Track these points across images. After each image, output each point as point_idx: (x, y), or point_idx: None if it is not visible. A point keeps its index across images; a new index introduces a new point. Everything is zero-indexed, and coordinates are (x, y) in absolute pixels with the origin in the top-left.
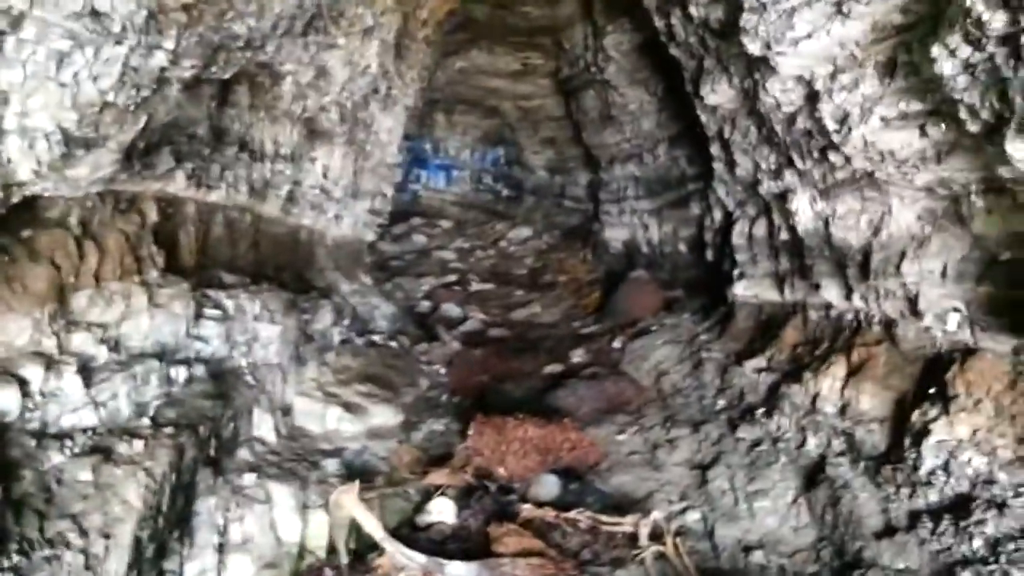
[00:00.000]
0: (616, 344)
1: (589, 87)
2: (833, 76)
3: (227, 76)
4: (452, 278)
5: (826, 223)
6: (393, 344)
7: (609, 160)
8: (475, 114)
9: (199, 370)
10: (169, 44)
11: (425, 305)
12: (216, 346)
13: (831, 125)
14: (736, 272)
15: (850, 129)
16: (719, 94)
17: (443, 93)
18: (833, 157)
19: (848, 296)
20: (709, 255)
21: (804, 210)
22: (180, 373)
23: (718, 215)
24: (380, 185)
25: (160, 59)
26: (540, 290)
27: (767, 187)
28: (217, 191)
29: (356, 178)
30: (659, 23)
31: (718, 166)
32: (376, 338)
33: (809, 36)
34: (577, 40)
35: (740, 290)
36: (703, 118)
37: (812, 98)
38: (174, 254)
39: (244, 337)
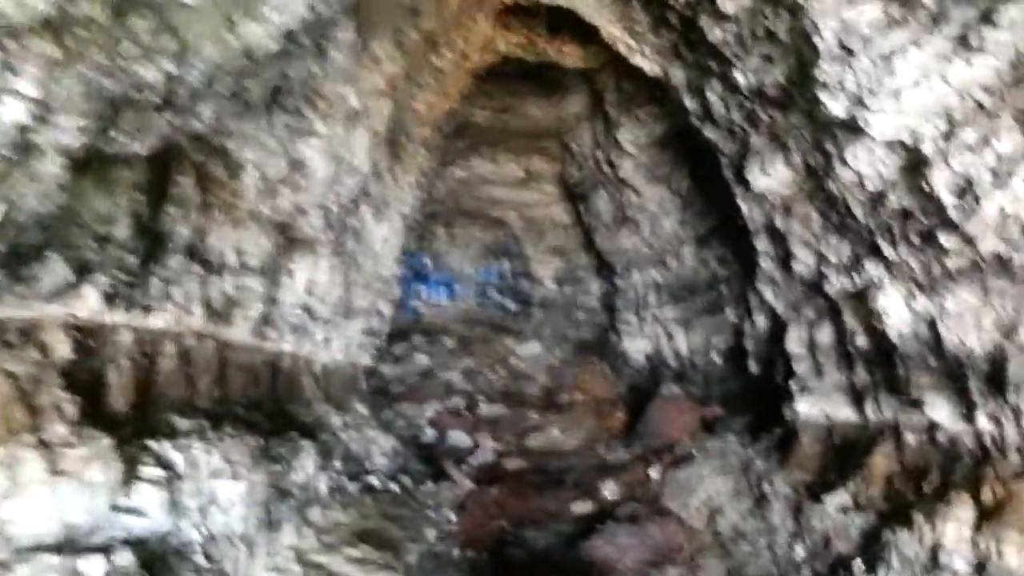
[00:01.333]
0: (653, 474)
1: (601, 188)
2: (950, 135)
3: (146, 152)
4: (459, 402)
5: (931, 324)
6: (393, 487)
7: (625, 266)
8: (477, 225)
9: (124, 558)
10: (29, 88)
11: (430, 434)
12: (156, 519)
13: (947, 199)
14: (795, 386)
15: (977, 200)
16: (772, 177)
17: (443, 205)
18: (945, 240)
19: (968, 416)
20: (752, 367)
21: (896, 310)
22: (94, 567)
23: (762, 321)
24: (376, 302)
25: (16, 112)
26: (557, 411)
27: (837, 285)
28: (160, 314)
29: (347, 294)
30: (690, 103)
31: (765, 264)
32: (373, 481)
33: (916, 84)
34: (585, 140)
35: (803, 407)
36: (745, 209)
37: (914, 167)
38: (99, 399)
39: (197, 502)
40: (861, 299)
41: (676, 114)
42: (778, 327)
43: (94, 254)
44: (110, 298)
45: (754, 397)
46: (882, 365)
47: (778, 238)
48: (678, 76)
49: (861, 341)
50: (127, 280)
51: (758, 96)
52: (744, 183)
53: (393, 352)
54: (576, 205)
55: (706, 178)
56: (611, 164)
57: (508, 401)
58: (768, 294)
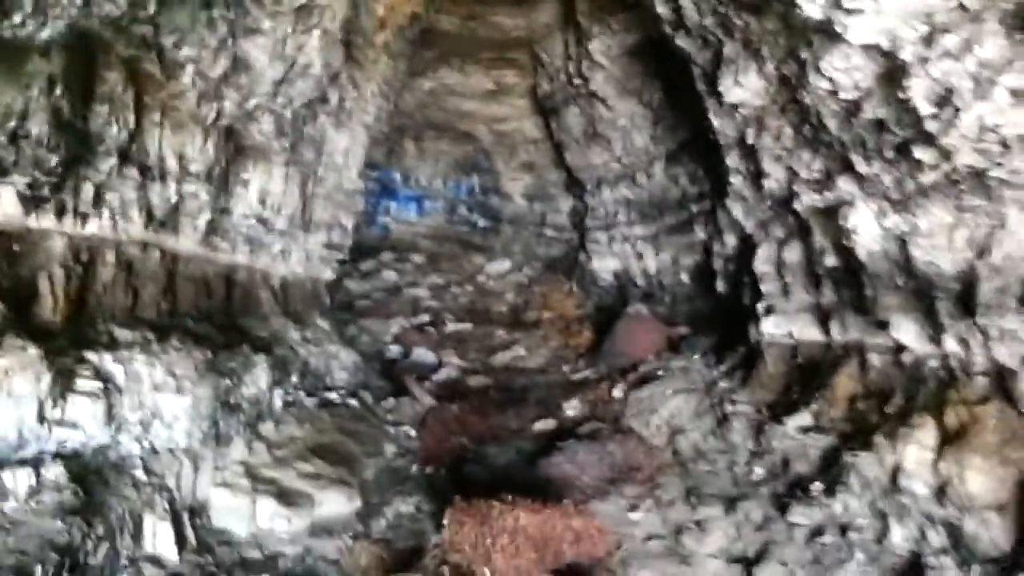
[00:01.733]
0: (616, 393)
1: (572, 103)
2: (930, 39)
3: (60, 40)
4: (425, 318)
5: (902, 243)
6: (353, 402)
7: (596, 183)
8: (447, 140)
9: (53, 471)
10: None
11: (395, 350)
12: (92, 432)
13: (925, 108)
14: (762, 306)
15: (957, 110)
16: (745, 87)
17: (412, 118)
18: (921, 154)
19: (935, 338)
20: (720, 286)
21: (867, 227)
22: (19, 481)
23: (731, 239)
24: (338, 215)
25: None
26: (523, 329)
27: (806, 201)
28: (95, 220)
29: (306, 207)
30: (663, 8)
31: (736, 180)
32: (332, 396)
33: None
34: (557, 51)
35: (769, 328)
36: (717, 123)
37: (892, 75)
38: (27, 308)
39: (138, 415)
40: (831, 216)
41: (649, 22)
42: (747, 247)
43: (5, 152)
44: (32, 201)
45: (721, 317)
46: (849, 285)
47: (749, 154)
48: None
49: (830, 260)
50: (49, 182)
51: (731, 1)
52: (717, 95)
53: (360, 268)
54: (547, 119)
55: (678, 91)
56: (582, 77)
57: (475, 319)
58: (738, 212)
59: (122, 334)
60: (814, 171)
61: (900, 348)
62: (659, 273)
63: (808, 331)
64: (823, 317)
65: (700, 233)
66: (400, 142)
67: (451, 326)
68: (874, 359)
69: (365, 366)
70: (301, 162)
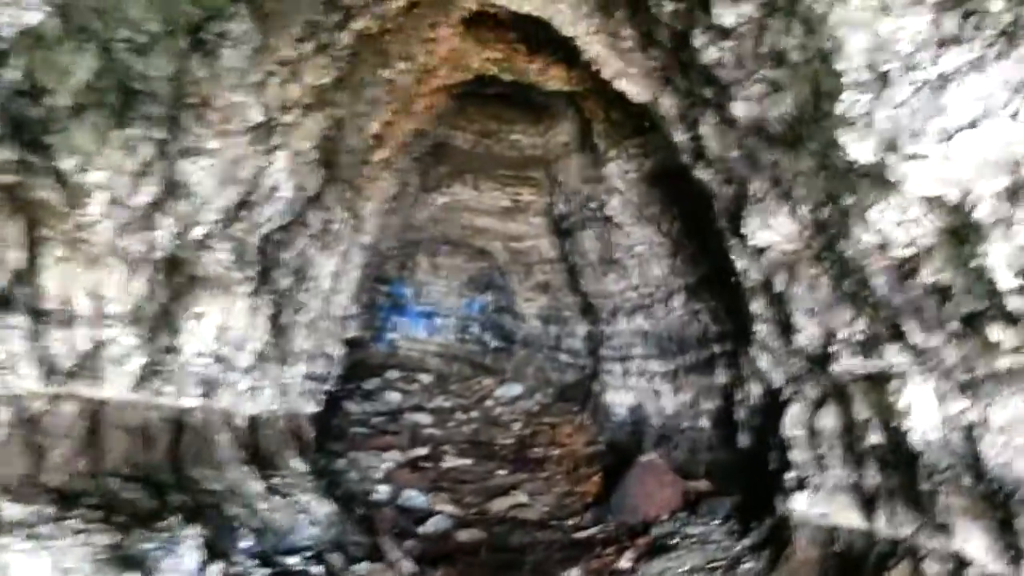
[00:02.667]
0: (624, 563)
1: (588, 226)
2: (1015, 194)
3: None
4: (422, 452)
5: (968, 435)
6: (316, 570)
7: (612, 311)
8: (461, 256)
9: None
10: None
11: (383, 491)
12: None
13: (1006, 279)
14: (791, 477)
15: None
16: (774, 230)
17: (425, 233)
18: (997, 333)
19: (1015, 557)
20: (743, 439)
21: (923, 409)
22: None
23: (755, 389)
24: (323, 343)
25: None
26: (528, 468)
27: (846, 364)
28: None
29: (282, 338)
30: (680, 137)
31: (761, 329)
32: (292, 561)
33: (975, 124)
34: (573, 172)
35: (800, 504)
36: (740, 264)
37: (961, 234)
38: None
39: None
40: (877, 387)
41: (666, 149)
42: (774, 402)
43: None
44: None
45: (744, 473)
46: (900, 470)
47: (777, 301)
48: (667, 104)
49: (875, 437)
50: None
51: (760, 132)
52: (740, 234)
53: (363, 387)
54: (563, 240)
55: (698, 222)
56: (598, 200)
57: (477, 452)
58: (763, 362)
59: (9, 511)
60: (856, 332)
61: (964, 560)
62: (677, 415)
63: (848, 515)
64: (867, 501)
65: (722, 376)
66: (413, 256)
67: (450, 461)
68: (932, 567)
69: (342, 518)
70: (275, 290)
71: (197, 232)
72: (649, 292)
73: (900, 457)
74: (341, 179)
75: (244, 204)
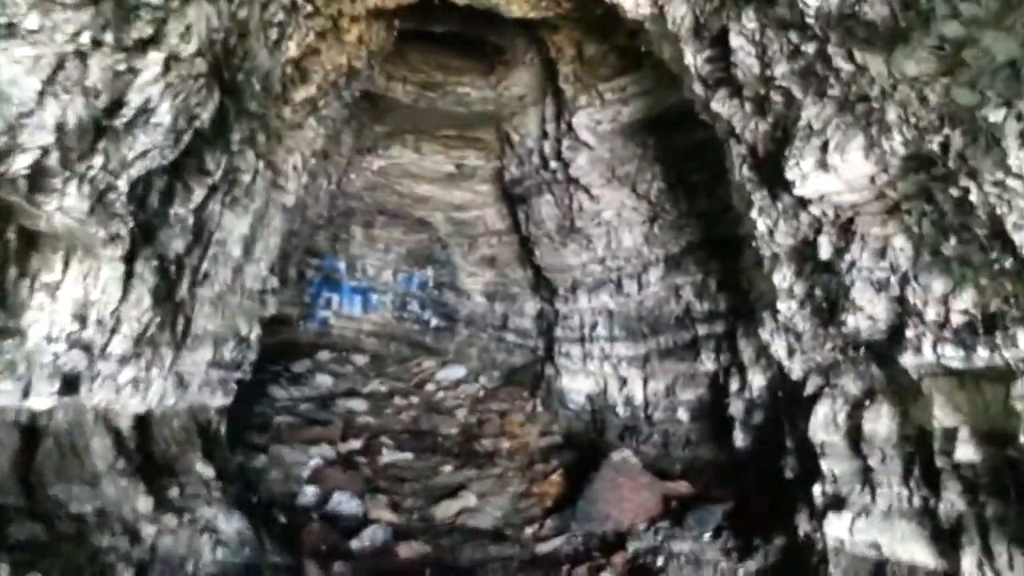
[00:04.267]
0: None
1: (545, 191)
2: None
3: None
4: (356, 445)
5: None
6: None
7: (571, 287)
8: (399, 227)
9: None
10: None
11: (310, 494)
12: None
13: None
14: (822, 492)
15: None
16: (836, 173)
17: (360, 201)
18: None
19: None
20: (740, 439)
21: None
22: None
23: (758, 380)
24: (235, 323)
25: None
26: (476, 463)
27: (929, 357)
28: None
29: (176, 317)
30: (693, 58)
31: (786, 306)
32: None
33: None
34: (530, 128)
35: (837, 528)
36: (762, 225)
37: None
38: None
39: None
40: (976, 385)
41: (654, 89)
42: (789, 396)
43: None
44: None
45: (738, 477)
46: (1007, 499)
47: (819, 271)
48: (679, 14)
49: (965, 451)
50: None
51: (839, 26)
52: (774, 184)
53: (292, 370)
54: (514, 209)
55: (686, 181)
56: (560, 159)
57: (418, 444)
58: (778, 347)
59: None
60: (956, 312)
61: None
62: (648, 405)
63: (911, 549)
64: (945, 533)
65: (708, 363)
66: (347, 228)
67: (387, 455)
68: None
69: (256, 534)
70: (161, 255)
71: (21, 163)
72: (617, 266)
73: (1012, 481)
74: (249, 114)
75: (102, 130)
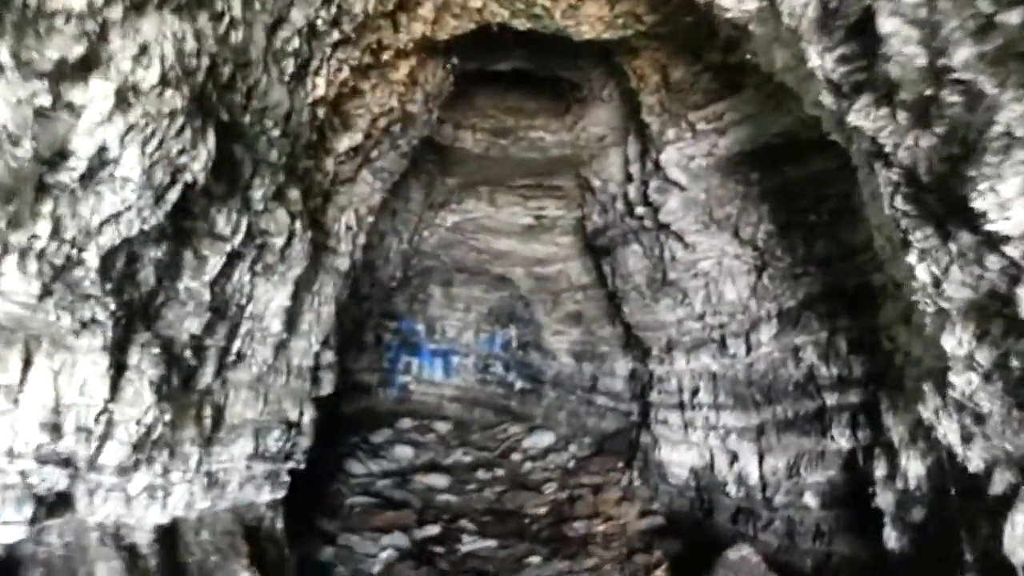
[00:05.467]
0: None
1: (632, 241)
2: None
3: None
4: (434, 531)
5: None
6: None
7: (666, 347)
8: (479, 285)
9: None
10: None
11: None
12: None
13: None
14: None
15: None
16: None
17: (437, 259)
18: None
19: None
20: (892, 539)
21: None
22: None
23: (916, 467)
24: (282, 409)
25: None
26: (567, 551)
27: None
28: None
29: (198, 410)
30: (822, 60)
31: (964, 379)
32: None
33: None
34: (612, 171)
35: None
36: (924, 272)
37: None
38: None
39: None
40: None
41: (769, 106)
42: (966, 492)
43: None
44: None
45: None
46: None
47: (1017, 333)
48: (799, 1)
49: None
50: None
51: None
52: (945, 217)
53: (371, 441)
54: (599, 261)
55: (800, 221)
56: (648, 203)
57: (503, 528)
58: (948, 429)
59: None
60: None
61: None
62: (765, 486)
63: None
64: None
65: (841, 440)
66: (424, 288)
67: (468, 543)
68: None
69: None
70: (170, 339)
71: None
72: (720, 323)
73: None
74: (272, 165)
75: (44, 188)
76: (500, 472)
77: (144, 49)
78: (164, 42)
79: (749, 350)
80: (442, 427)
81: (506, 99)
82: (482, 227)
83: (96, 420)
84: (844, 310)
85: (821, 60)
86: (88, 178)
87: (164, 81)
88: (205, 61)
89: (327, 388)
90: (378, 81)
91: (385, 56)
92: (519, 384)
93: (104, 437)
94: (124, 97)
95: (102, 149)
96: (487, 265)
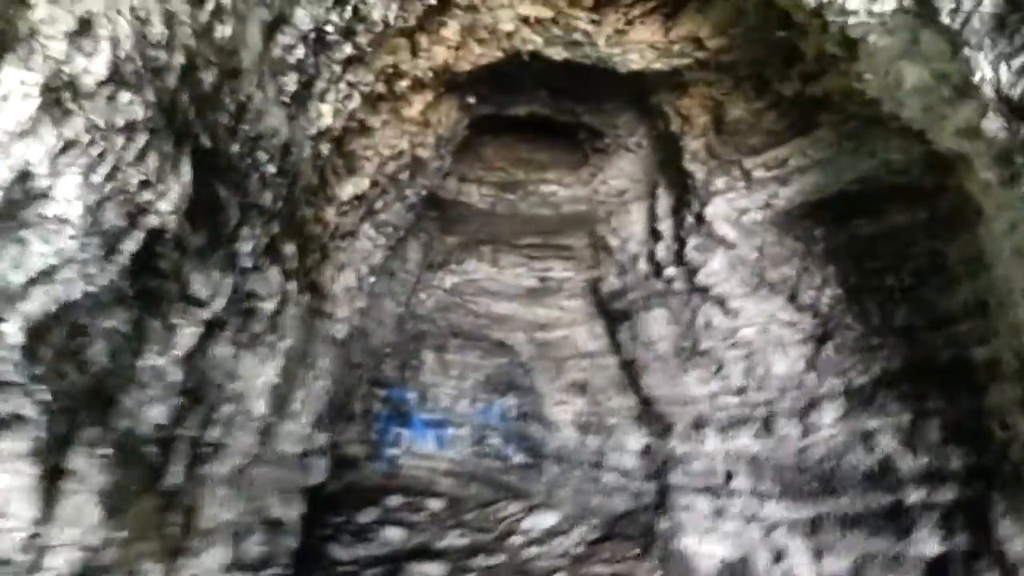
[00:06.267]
0: None
1: (656, 304)
2: None
3: None
4: None
5: None
6: None
7: (694, 423)
8: (476, 351)
9: None
10: None
11: None
12: None
13: None
14: None
15: None
16: None
17: (431, 323)
18: None
19: None
20: None
21: None
22: None
23: None
24: (265, 506)
25: None
26: None
27: None
28: None
29: (160, 518)
30: (992, 74)
31: None
32: None
33: None
34: (634, 229)
35: None
36: None
37: None
38: None
39: None
40: None
41: (848, 148)
42: None
43: None
44: None
45: None
46: None
47: None
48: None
49: None
50: None
51: None
52: None
53: (356, 521)
54: (613, 327)
55: (875, 284)
56: (683, 263)
57: None
58: None
59: None
60: None
61: None
62: None
63: None
64: None
65: (928, 543)
66: (417, 354)
67: None
68: None
69: None
70: (126, 433)
71: None
72: (765, 399)
73: None
74: (264, 211)
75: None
76: (500, 558)
77: (86, 25)
78: (117, 19)
79: (805, 432)
80: (435, 504)
81: (516, 149)
82: (482, 289)
83: (22, 544)
84: (935, 389)
85: (995, 71)
86: (5, 218)
87: (117, 78)
88: (179, 58)
89: (318, 477)
90: (389, 117)
91: (399, 86)
92: (518, 458)
93: (33, 570)
94: (57, 98)
95: (23, 175)
96: (485, 330)
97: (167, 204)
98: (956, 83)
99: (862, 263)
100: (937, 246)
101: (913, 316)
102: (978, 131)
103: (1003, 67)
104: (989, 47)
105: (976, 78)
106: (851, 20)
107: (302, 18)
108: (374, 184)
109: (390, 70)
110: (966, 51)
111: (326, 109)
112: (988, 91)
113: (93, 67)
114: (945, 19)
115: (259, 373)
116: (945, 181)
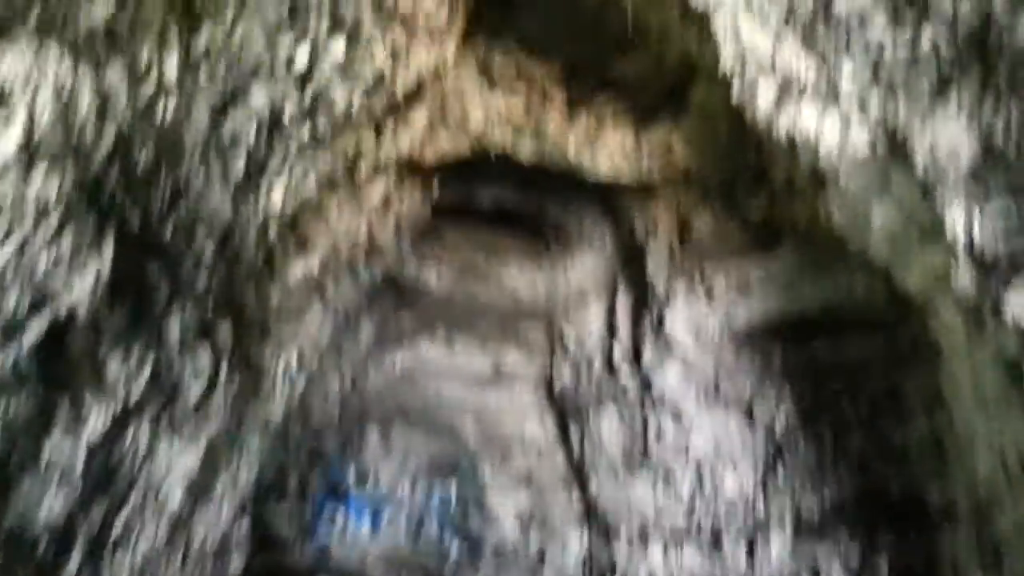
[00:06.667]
0: None
1: (608, 406)
2: None
3: None
4: None
5: None
6: None
7: (639, 535)
8: (421, 433)
9: None
10: None
11: None
12: None
13: None
14: None
15: None
16: None
17: (379, 402)
18: None
19: None
20: None
21: None
22: None
23: None
24: None
25: None
26: None
27: None
28: None
29: None
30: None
31: None
32: None
33: None
34: (592, 327)
35: None
36: None
37: None
38: None
39: None
40: None
41: (816, 267)
42: None
43: None
44: None
45: None
46: None
47: None
48: None
49: None
50: None
51: None
52: None
53: None
54: (564, 422)
55: (832, 409)
56: (639, 369)
57: None
58: None
59: None
60: None
61: None
62: None
63: None
64: None
65: None
66: (360, 431)
67: None
68: None
69: None
70: (19, 528)
71: None
72: (714, 516)
73: None
74: (198, 296)
75: None
76: None
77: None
78: (39, 86)
79: (751, 556)
80: None
81: (478, 233)
82: (434, 372)
83: None
84: (885, 524)
85: (966, 220)
86: None
87: (31, 149)
88: (110, 133)
89: (234, 568)
90: (346, 200)
91: (360, 170)
92: (455, 551)
93: None
94: None
95: None
96: (433, 412)
97: (80, 291)
98: (925, 227)
99: (819, 386)
100: (895, 378)
101: (867, 445)
102: (946, 277)
103: (975, 219)
104: (964, 194)
105: (947, 225)
106: (823, 156)
107: (257, 97)
108: (324, 266)
109: (351, 153)
110: (937, 197)
111: (277, 191)
112: (959, 240)
113: (7, 136)
114: (920, 172)
115: (177, 460)
116: (907, 315)
